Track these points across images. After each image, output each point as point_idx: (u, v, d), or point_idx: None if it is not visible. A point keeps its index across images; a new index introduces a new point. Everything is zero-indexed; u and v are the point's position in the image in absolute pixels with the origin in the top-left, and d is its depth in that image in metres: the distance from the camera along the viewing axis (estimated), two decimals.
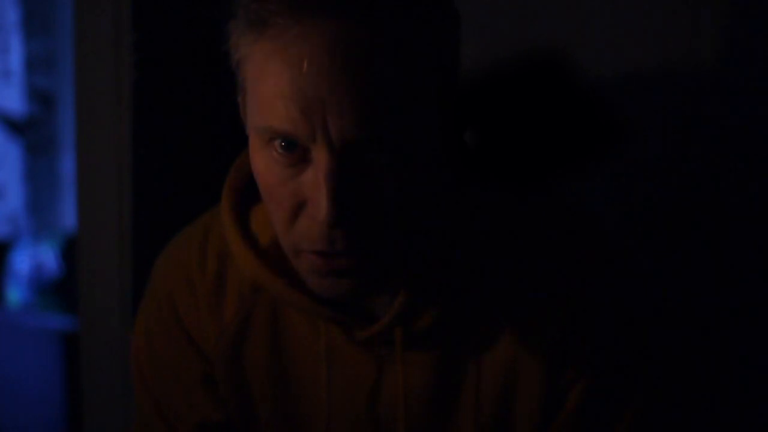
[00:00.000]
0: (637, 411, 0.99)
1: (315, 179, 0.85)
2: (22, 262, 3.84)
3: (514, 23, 1.28)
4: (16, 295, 3.81)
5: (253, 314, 1.05)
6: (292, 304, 0.99)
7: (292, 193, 0.87)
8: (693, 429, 1.19)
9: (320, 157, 0.84)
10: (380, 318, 0.98)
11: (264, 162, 0.89)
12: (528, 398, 0.99)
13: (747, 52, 1.12)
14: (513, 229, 1.00)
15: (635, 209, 1.21)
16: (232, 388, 1.06)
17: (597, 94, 1.23)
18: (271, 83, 0.84)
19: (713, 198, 1.16)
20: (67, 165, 4.01)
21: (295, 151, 0.86)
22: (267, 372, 1.04)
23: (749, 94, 1.13)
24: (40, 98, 4.00)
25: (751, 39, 1.12)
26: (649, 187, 1.20)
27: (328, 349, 1.01)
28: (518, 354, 0.98)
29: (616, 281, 1.01)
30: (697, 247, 1.17)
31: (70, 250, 3.65)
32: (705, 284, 1.17)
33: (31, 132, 4.00)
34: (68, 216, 4.00)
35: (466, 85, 0.97)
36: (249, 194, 1.01)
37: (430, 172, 0.90)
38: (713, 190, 1.16)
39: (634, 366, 1.00)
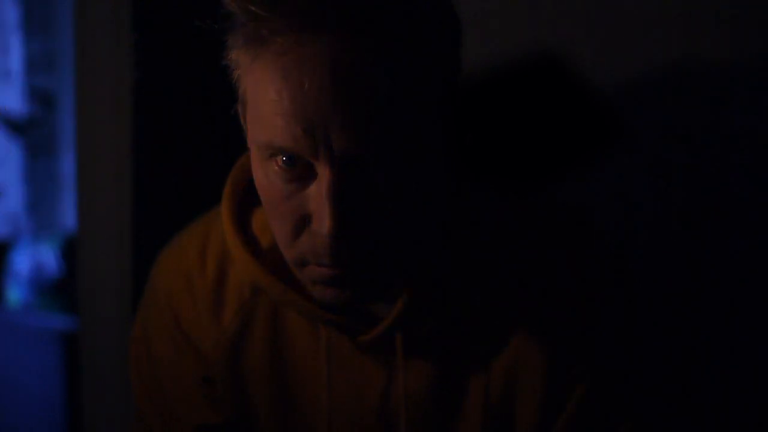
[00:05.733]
0: (638, 413, 0.99)
1: (318, 194, 0.85)
2: (22, 262, 3.84)
3: (513, 25, 1.28)
4: (16, 295, 3.81)
5: (252, 316, 1.04)
6: (293, 308, 0.99)
7: (296, 208, 0.87)
8: (694, 430, 1.19)
9: (323, 172, 0.84)
10: (381, 321, 0.98)
11: (266, 176, 0.89)
12: (529, 400, 0.99)
13: (747, 53, 1.12)
14: (514, 233, 1.00)
15: (635, 210, 1.21)
16: (231, 390, 1.06)
17: (596, 95, 1.23)
18: (271, 101, 0.84)
19: (713, 198, 1.16)
20: (67, 165, 4.01)
21: (298, 166, 0.86)
22: (266, 374, 1.04)
23: (750, 96, 1.13)
24: (40, 98, 4.00)
25: (752, 41, 1.12)
26: (649, 188, 1.20)
27: (328, 352, 1.01)
28: (519, 356, 0.98)
29: (618, 283, 1.01)
30: (697, 247, 1.17)
31: (70, 250, 3.65)
32: (706, 285, 1.17)
33: (31, 132, 4.00)
34: (68, 216, 4.00)
35: (467, 89, 0.97)
36: (250, 195, 1.01)
37: (432, 181, 0.90)
38: (713, 191, 1.16)
39: (635, 368, 1.00)
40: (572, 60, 1.24)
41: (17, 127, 3.98)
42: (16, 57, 3.97)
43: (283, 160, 0.86)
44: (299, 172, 0.86)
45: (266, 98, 0.85)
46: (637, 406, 1.00)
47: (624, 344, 1.00)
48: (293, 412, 1.04)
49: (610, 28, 1.20)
